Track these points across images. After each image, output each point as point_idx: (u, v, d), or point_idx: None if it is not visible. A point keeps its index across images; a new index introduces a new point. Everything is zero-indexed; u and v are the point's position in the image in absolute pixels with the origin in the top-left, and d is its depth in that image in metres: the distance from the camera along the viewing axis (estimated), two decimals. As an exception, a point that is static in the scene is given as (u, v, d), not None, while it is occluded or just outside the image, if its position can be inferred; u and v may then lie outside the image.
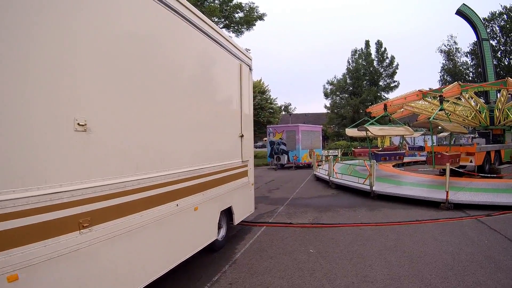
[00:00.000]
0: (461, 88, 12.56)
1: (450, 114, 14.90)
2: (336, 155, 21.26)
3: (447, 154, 10.45)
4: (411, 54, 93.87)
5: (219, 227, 5.01)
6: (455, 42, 39.77)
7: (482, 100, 16.00)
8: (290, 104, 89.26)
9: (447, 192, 7.52)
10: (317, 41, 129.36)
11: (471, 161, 11.78)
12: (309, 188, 11.33)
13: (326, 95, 41.25)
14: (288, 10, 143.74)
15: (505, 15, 36.18)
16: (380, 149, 15.11)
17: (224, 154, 5.02)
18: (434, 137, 27.62)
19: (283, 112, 78.55)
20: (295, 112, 75.11)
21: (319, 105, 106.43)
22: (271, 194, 10.43)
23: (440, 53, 40.47)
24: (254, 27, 18.45)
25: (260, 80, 30.24)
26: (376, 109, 15.76)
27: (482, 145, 12.72)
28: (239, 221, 5.68)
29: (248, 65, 6.06)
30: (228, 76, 5.30)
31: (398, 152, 14.34)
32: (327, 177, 11.71)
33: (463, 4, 17.72)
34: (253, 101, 27.37)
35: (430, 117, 11.58)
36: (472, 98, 15.06)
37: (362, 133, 12.94)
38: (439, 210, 7.42)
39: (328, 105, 41.61)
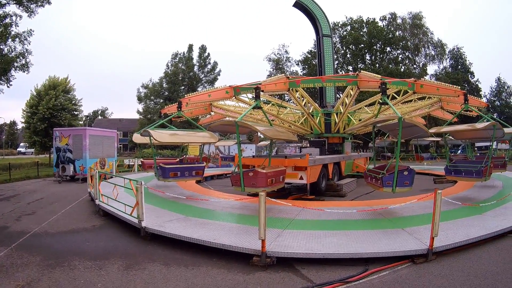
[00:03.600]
0: (289, 81, 9.58)
1: (274, 120, 12.28)
2: (132, 165, 19.21)
3: (264, 171, 7.23)
4: (239, 63, 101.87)
5: None
6: (286, 52, 39.24)
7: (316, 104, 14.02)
8: (107, 109, 79.26)
9: (263, 240, 4.32)
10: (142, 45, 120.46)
11: (301, 178, 9.07)
12: (72, 214, 8.30)
13: (140, 99, 37.52)
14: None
15: (349, 26, 35.89)
16: (177, 160, 11.49)
17: None
18: (253, 146, 25.11)
19: (100, 117, 68.88)
20: (111, 117, 68.51)
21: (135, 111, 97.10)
22: (16, 223, 7.44)
23: (268, 61, 39.05)
24: (47, 5, 16.61)
25: (67, 77, 27.29)
26: (173, 110, 11.55)
27: (317, 157, 10.16)
28: None
29: None
30: None
31: (195, 165, 10.26)
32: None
33: (304, -6, 15.12)
34: (55, 100, 24.65)
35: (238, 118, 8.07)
36: (304, 98, 12.76)
37: (147, 139, 8.99)
38: (250, 269, 4.29)
39: (141, 110, 38.06)
